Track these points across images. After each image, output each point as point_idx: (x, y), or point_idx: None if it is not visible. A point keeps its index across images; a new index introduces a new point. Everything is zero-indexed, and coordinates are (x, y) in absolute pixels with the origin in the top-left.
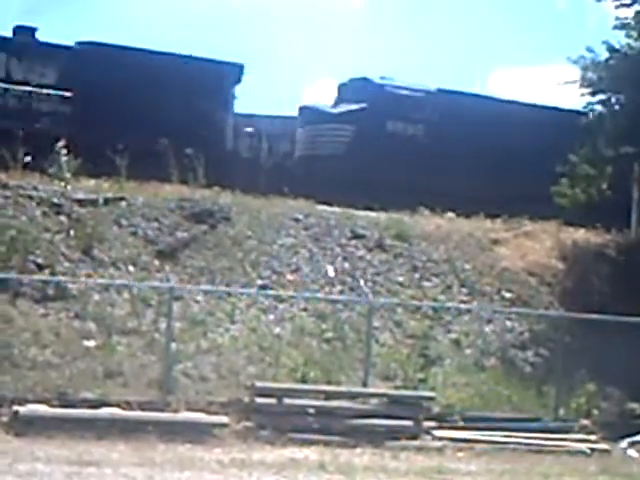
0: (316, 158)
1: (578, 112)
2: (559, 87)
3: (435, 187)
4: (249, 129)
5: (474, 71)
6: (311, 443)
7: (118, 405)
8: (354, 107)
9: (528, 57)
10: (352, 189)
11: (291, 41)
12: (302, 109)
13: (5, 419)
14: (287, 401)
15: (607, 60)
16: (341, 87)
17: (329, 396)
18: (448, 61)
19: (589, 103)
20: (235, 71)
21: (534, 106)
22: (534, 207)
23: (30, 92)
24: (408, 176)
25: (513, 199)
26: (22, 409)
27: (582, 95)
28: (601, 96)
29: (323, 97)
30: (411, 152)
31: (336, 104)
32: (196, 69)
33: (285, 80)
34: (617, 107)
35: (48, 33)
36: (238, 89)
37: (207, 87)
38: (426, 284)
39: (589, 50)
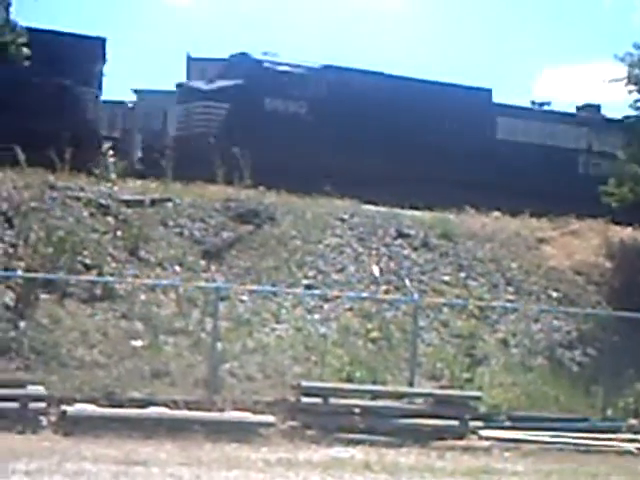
0: (189, 137)
1: (480, 89)
2: (606, 85)
3: (318, 166)
4: (123, 108)
5: (523, 70)
6: (357, 443)
7: (165, 404)
8: (228, 83)
9: (576, 55)
10: (225, 169)
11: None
12: (178, 86)
13: (53, 418)
14: (333, 401)
15: None
16: (224, 63)
17: (375, 396)
18: (498, 61)
19: (636, 100)
20: (96, 46)
21: (429, 82)
22: (424, 188)
23: None
24: (288, 155)
25: (403, 179)
26: (70, 409)
27: (629, 92)
28: None
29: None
30: (292, 130)
31: (215, 81)
32: (52, 43)
33: None
34: None
35: None
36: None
37: (65, 62)
38: (472, 283)
39: (636, 47)
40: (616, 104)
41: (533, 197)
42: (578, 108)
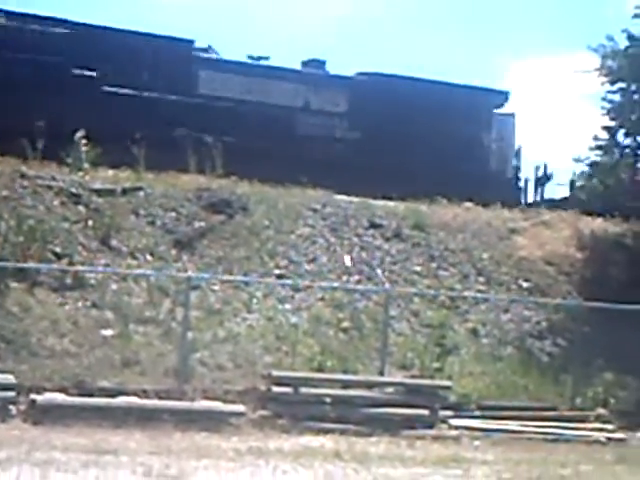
0: None
1: (180, 39)
2: (578, 75)
3: None
4: None
5: (496, 61)
6: (327, 432)
7: (135, 394)
8: None
9: (550, 47)
10: None
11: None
12: None
13: (23, 407)
14: (304, 390)
15: (627, 48)
16: None
17: (346, 385)
18: (470, 52)
19: (608, 92)
20: None
21: (117, 31)
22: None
23: None
24: None
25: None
26: (40, 398)
27: (602, 84)
28: (620, 84)
29: None
30: None
31: None
32: None
33: None
34: (636, 96)
35: None
36: None
37: None
38: (443, 273)
39: (609, 39)
40: (585, 97)
41: (236, 156)
42: (303, 64)
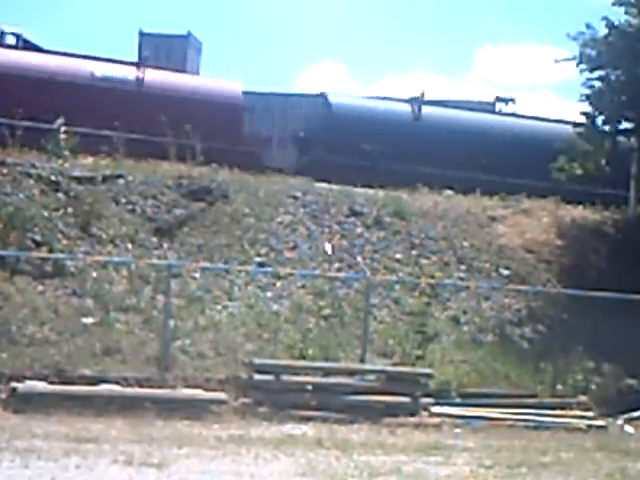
0: None
1: None
2: (554, 64)
3: None
4: None
5: (462, 48)
6: (309, 419)
7: (116, 382)
8: None
9: (517, 35)
10: None
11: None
12: None
13: (3, 396)
14: (285, 378)
15: (606, 36)
16: None
17: (327, 373)
18: (437, 38)
19: (588, 79)
20: None
21: None
22: None
23: None
24: None
25: None
26: (20, 386)
27: (581, 72)
28: (600, 72)
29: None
30: None
31: None
32: None
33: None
34: (615, 83)
35: None
36: None
37: None
38: (424, 261)
39: (588, 26)
40: (553, 86)
41: None
42: None
